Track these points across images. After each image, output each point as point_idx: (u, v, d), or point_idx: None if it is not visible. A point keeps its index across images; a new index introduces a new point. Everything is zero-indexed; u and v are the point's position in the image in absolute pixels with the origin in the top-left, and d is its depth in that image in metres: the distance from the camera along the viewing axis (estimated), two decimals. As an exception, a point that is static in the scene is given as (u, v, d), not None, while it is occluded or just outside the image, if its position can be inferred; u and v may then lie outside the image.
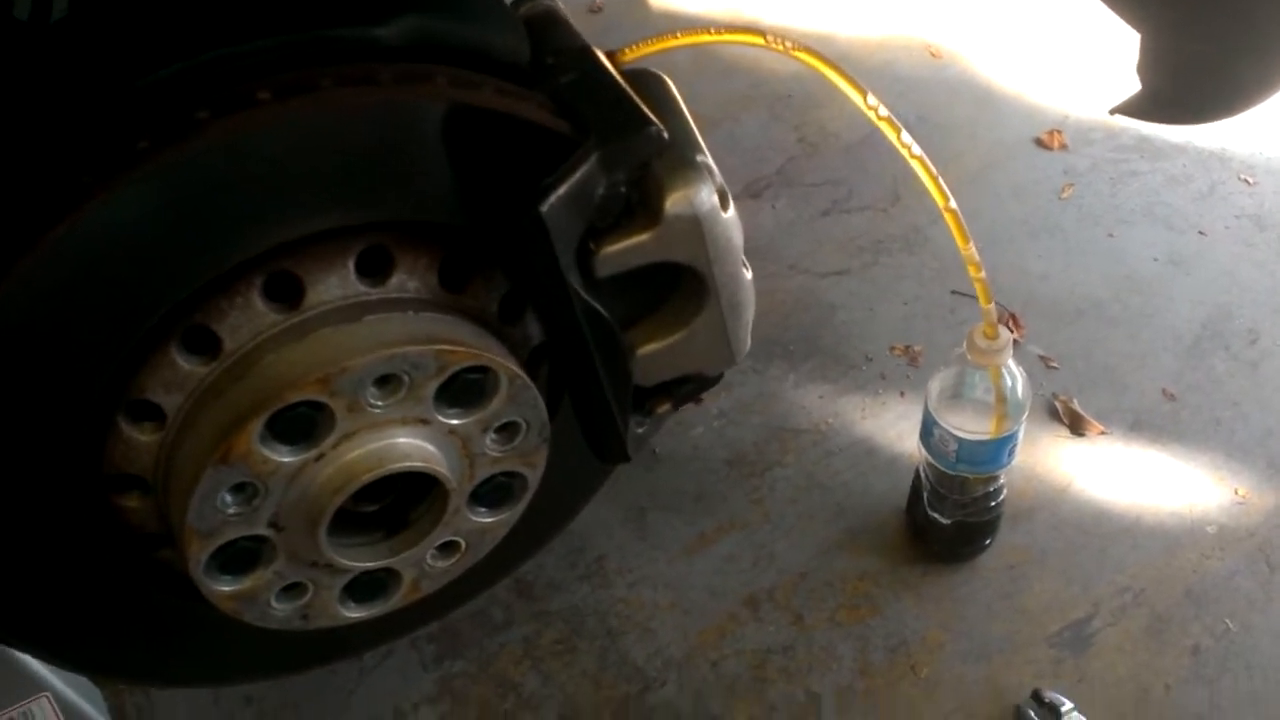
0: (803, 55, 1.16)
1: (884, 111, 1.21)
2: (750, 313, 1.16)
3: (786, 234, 2.13)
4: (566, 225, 0.98)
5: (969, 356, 1.52)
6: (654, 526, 1.75)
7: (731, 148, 2.26)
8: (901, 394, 1.91)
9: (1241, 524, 1.72)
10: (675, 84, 1.16)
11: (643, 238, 1.02)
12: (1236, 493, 1.75)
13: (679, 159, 1.02)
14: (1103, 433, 1.83)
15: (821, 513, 1.76)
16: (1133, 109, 1.35)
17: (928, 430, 1.61)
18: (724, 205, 1.06)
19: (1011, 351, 1.52)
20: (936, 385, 1.61)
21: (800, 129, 2.31)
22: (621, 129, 0.99)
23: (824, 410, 1.89)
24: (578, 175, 0.96)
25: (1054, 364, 1.93)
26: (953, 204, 1.30)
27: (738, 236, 1.09)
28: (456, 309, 1.08)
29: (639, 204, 1.02)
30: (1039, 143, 2.27)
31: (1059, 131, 2.27)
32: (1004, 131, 2.29)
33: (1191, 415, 1.85)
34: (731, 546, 1.73)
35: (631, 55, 1.16)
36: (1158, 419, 1.85)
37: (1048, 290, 2.03)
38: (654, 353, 1.11)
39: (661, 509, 1.77)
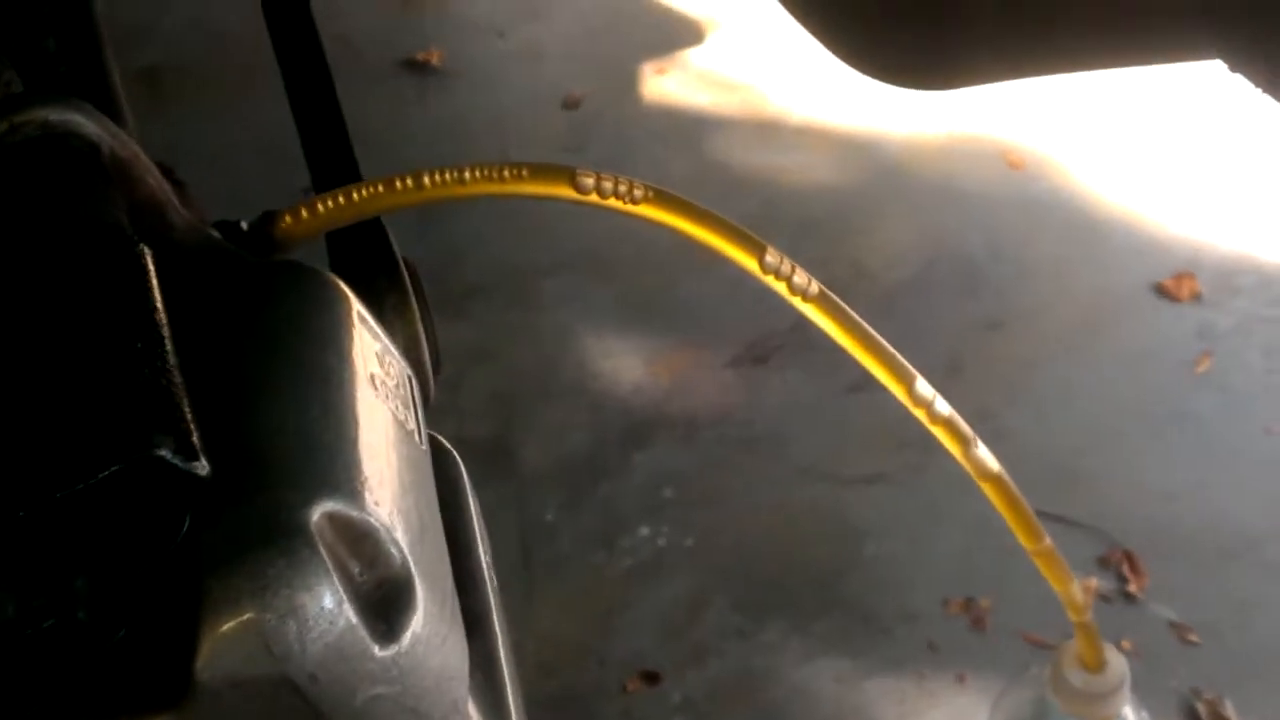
0: (811, 307, 0.58)
1: (944, 407, 0.64)
2: None
3: (799, 419, 1.52)
4: None
5: (1054, 699, 0.91)
6: None
7: (731, 294, 1.66)
8: (960, 679, 1.28)
9: None
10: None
11: None
12: None
13: (260, 524, 0.40)
14: (1274, 766, 1.18)
15: None
16: None
17: (991, 802, 0.98)
18: (388, 631, 0.42)
19: (1128, 695, 0.91)
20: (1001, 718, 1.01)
21: (828, 266, 1.69)
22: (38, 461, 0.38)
23: (843, 702, 1.27)
24: None
25: (1193, 637, 1.29)
26: (1046, 543, 0.73)
27: (436, 689, 0.44)
28: None
29: (140, 644, 0.40)
30: (1161, 291, 1.63)
31: (1189, 275, 1.63)
32: (1111, 274, 1.66)
33: None
34: None
35: (308, 225, 0.54)
36: (1361, 745, 1.19)
37: (1179, 517, 1.39)
38: None
39: None
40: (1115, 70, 0.80)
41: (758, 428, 1.51)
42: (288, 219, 0.55)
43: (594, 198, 0.55)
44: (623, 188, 0.56)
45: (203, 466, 0.39)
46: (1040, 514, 1.37)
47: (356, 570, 0.42)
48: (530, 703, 0.58)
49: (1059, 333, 1.58)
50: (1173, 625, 1.30)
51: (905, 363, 0.62)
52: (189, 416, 0.40)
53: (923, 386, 0.63)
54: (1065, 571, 0.77)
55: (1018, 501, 0.71)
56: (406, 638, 0.42)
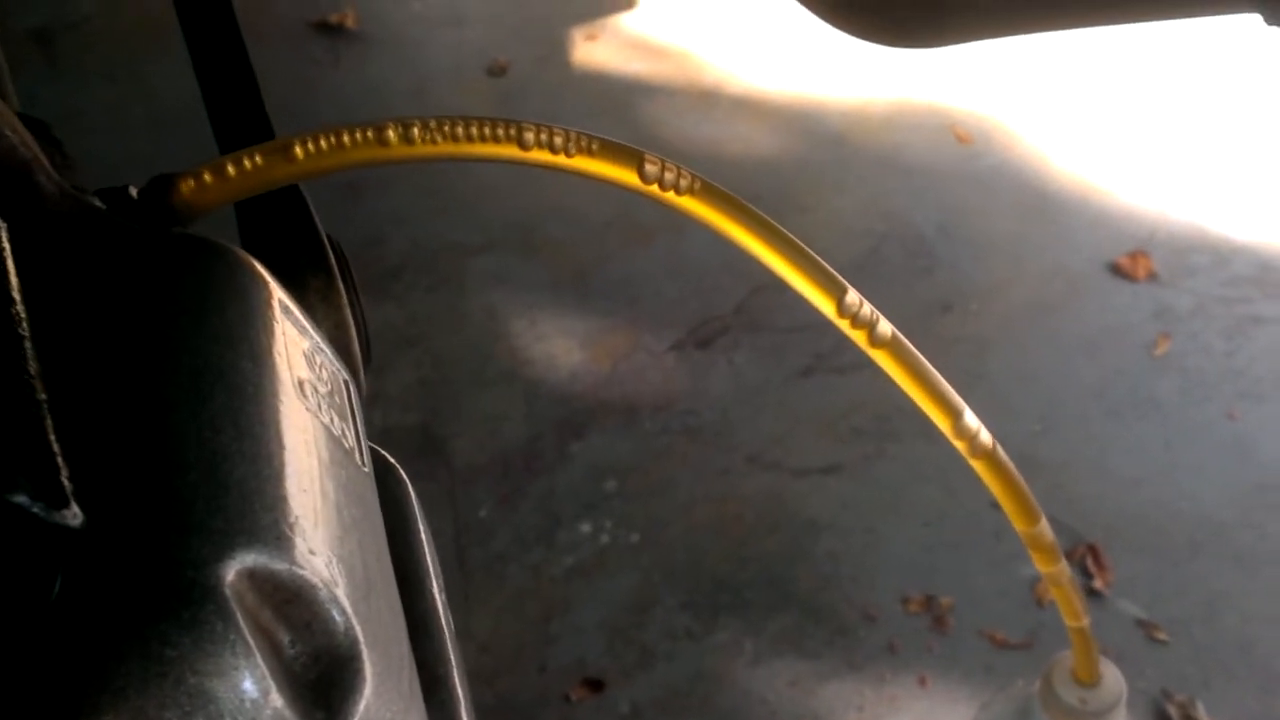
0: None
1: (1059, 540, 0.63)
2: None
3: (747, 406, 1.43)
4: None
5: (1044, 715, 0.85)
6: None
7: (673, 272, 1.57)
8: (921, 681, 1.21)
9: None
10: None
11: None
12: None
13: (154, 587, 0.28)
14: (1251, 770, 1.13)
15: None
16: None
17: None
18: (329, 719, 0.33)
19: (1124, 711, 0.84)
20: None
21: (772, 244, 1.61)
22: None
23: (799, 707, 1.19)
24: None
25: (1161, 635, 1.23)
26: (1085, 621, 0.66)
27: None
28: None
29: None
30: (1117, 270, 1.57)
31: (1144, 254, 1.58)
32: (1064, 252, 1.60)
33: (1394, 740, 1.15)
34: None
35: (215, 192, 0.43)
36: (1339, 745, 1.14)
37: (1142, 506, 1.33)
38: None
39: None
40: (1136, 24, 0.73)
41: (703, 415, 1.42)
42: (188, 184, 0.44)
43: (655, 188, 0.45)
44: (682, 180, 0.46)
45: (74, 514, 0.29)
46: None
47: (286, 641, 0.32)
48: None
49: (1014, 313, 1.52)
50: (1140, 623, 1.24)
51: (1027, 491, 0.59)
52: (55, 447, 0.30)
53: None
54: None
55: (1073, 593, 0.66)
56: (353, 727, 0.33)
